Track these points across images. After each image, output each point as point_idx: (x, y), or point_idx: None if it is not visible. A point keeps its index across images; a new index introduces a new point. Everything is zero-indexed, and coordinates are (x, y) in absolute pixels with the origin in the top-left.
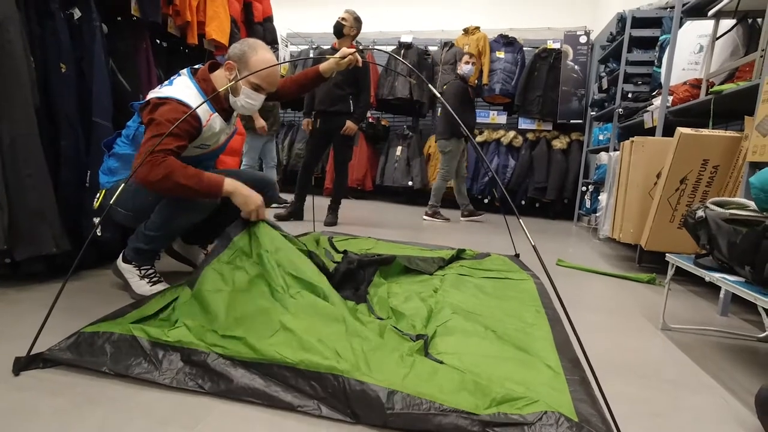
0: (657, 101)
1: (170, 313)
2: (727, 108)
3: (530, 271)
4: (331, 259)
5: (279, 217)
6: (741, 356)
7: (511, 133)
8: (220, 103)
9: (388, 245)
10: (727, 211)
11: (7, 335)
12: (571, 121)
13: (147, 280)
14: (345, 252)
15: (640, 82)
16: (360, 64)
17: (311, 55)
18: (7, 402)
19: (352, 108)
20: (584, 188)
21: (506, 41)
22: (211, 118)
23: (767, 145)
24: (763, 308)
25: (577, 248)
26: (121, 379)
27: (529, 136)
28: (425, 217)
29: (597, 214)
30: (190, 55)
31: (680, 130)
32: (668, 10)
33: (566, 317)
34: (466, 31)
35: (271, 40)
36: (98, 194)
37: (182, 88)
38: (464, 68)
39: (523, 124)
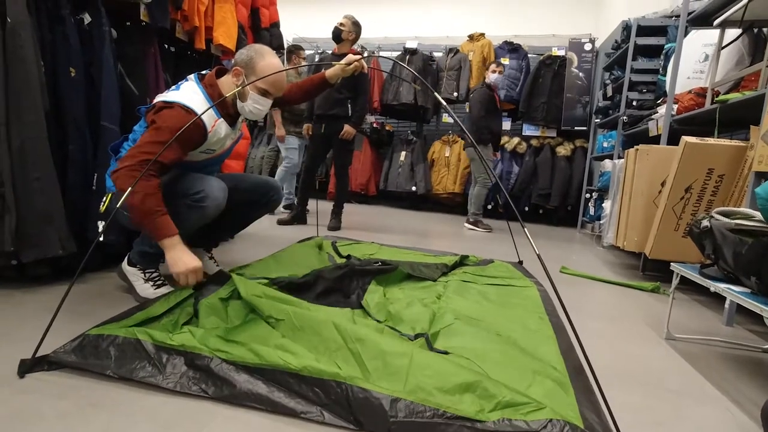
0: (662, 109)
1: (176, 316)
2: (732, 117)
3: (533, 278)
4: (333, 263)
5: (282, 222)
6: (746, 367)
7: (515, 140)
8: (226, 109)
9: (391, 250)
10: (732, 221)
11: (13, 337)
12: (576, 128)
13: (151, 283)
14: (348, 256)
15: (644, 90)
16: (366, 71)
17: (316, 60)
18: (12, 405)
19: (350, 112)
20: (588, 195)
21: (511, 48)
22: (216, 124)
23: None
24: None
25: (581, 256)
26: (125, 383)
27: (533, 142)
28: (467, 225)
29: (601, 222)
30: (197, 60)
31: (685, 138)
32: (673, 18)
33: (570, 324)
34: (471, 38)
35: (278, 46)
36: (105, 198)
37: (189, 93)
38: (491, 77)
39: (528, 130)
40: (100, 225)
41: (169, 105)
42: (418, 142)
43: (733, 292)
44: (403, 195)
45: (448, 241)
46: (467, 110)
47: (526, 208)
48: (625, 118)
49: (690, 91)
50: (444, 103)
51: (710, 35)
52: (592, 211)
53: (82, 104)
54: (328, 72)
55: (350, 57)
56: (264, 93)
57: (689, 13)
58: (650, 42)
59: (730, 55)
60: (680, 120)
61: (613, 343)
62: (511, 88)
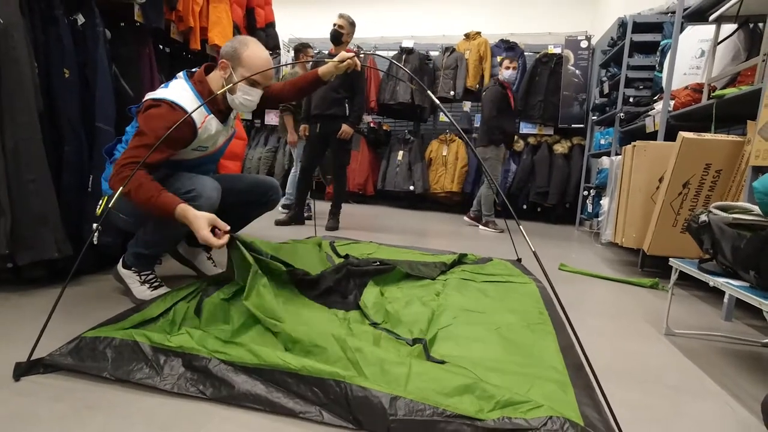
0: (659, 106)
1: (172, 316)
2: (729, 112)
3: (532, 275)
4: (332, 263)
5: (280, 223)
6: (746, 362)
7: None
8: (217, 105)
9: (389, 250)
10: (730, 215)
11: (9, 340)
12: (573, 126)
13: (148, 285)
14: (347, 256)
15: (641, 87)
16: (359, 68)
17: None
18: (8, 407)
19: (347, 112)
20: (586, 192)
21: (507, 46)
22: (206, 120)
23: None
24: None
25: (580, 253)
26: (121, 385)
27: (531, 140)
28: (481, 227)
29: (599, 219)
30: (192, 61)
31: (682, 134)
32: (669, 15)
33: (568, 323)
34: (468, 36)
35: (273, 46)
36: (101, 201)
37: (178, 90)
38: (505, 73)
39: (525, 128)
40: (95, 228)
41: (156, 103)
42: (415, 141)
43: (732, 287)
44: (401, 194)
45: (446, 240)
46: (464, 109)
47: (524, 206)
48: (622, 114)
49: (686, 87)
50: (438, 102)
51: (706, 31)
52: (590, 208)
53: (76, 105)
54: (321, 69)
55: (343, 54)
56: (252, 83)
57: (685, 9)
58: (646, 38)
59: (726, 50)
60: (677, 116)
61: (613, 339)
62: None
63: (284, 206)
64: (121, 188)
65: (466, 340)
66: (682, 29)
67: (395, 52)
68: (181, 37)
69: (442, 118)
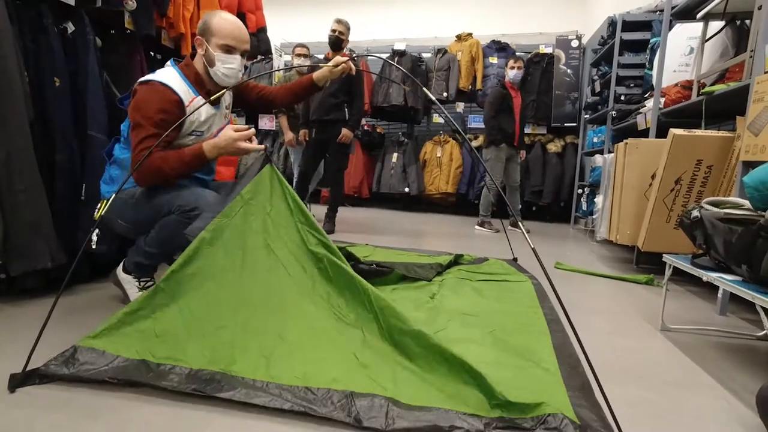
0: (649, 103)
1: (164, 310)
2: (718, 108)
3: (527, 272)
4: None
5: None
6: (741, 355)
7: None
8: (204, 86)
9: (386, 252)
10: (722, 210)
11: (2, 352)
12: (566, 125)
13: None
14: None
15: (632, 85)
16: (353, 73)
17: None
18: (3, 420)
19: (347, 116)
20: (580, 191)
21: (499, 47)
22: (194, 101)
23: (759, 144)
24: (762, 307)
25: (575, 251)
26: (118, 394)
27: (524, 140)
28: (476, 226)
29: (593, 217)
30: None
31: (673, 131)
32: (657, 13)
33: (569, 322)
34: (459, 38)
35: (265, 51)
36: (99, 204)
37: (164, 72)
38: (509, 73)
39: None
40: (94, 232)
41: (144, 82)
42: (409, 143)
43: (726, 281)
44: (396, 196)
45: (442, 241)
46: (457, 109)
47: (519, 206)
48: (613, 113)
49: (676, 84)
50: (434, 98)
51: (694, 28)
52: (584, 206)
53: (67, 114)
54: (316, 74)
55: (337, 59)
56: (228, 50)
57: (673, 7)
58: (636, 37)
59: (714, 47)
60: (668, 113)
61: (609, 336)
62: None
63: None
64: (154, 176)
65: (460, 343)
66: (670, 27)
67: (387, 55)
68: (173, 44)
69: (436, 119)
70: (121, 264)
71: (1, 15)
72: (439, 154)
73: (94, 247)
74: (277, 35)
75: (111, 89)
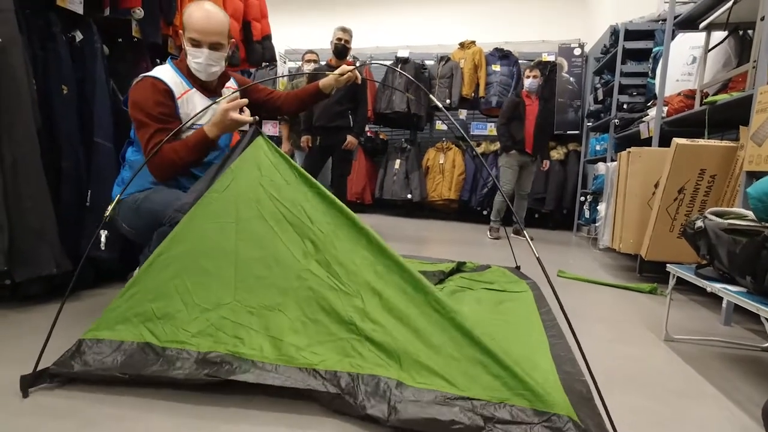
0: (652, 112)
1: (159, 284)
2: (721, 118)
3: (530, 280)
4: None
5: None
6: (745, 367)
7: None
8: (197, 79)
9: None
10: (725, 221)
11: (7, 359)
12: (568, 132)
13: None
14: None
15: (635, 93)
16: (359, 81)
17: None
18: (10, 428)
19: (351, 123)
20: (583, 198)
21: (502, 54)
22: (187, 93)
23: (763, 154)
24: (766, 318)
25: (578, 259)
26: (124, 402)
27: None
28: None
29: (596, 224)
30: None
31: (676, 140)
32: (660, 22)
33: (570, 328)
34: (462, 45)
35: (270, 58)
36: (110, 206)
37: (158, 68)
38: (525, 82)
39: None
40: (102, 234)
41: (137, 81)
42: (412, 149)
43: (730, 292)
44: (398, 203)
45: (445, 248)
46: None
47: (524, 213)
48: (616, 121)
49: (679, 94)
50: (440, 105)
51: (697, 38)
52: (587, 214)
53: (74, 121)
54: (322, 82)
55: (344, 68)
56: (195, 44)
57: (675, 17)
58: (638, 46)
59: (717, 57)
60: (671, 122)
61: (612, 345)
62: (503, 94)
63: None
64: (169, 170)
65: None
66: (673, 36)
67: (391, 62)
68: (179, 52)
69: (439, 126)
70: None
71: (10, 24)
72: (441, 161)
73: (103, 248)
74: (281, 42)
75: (117, 97)
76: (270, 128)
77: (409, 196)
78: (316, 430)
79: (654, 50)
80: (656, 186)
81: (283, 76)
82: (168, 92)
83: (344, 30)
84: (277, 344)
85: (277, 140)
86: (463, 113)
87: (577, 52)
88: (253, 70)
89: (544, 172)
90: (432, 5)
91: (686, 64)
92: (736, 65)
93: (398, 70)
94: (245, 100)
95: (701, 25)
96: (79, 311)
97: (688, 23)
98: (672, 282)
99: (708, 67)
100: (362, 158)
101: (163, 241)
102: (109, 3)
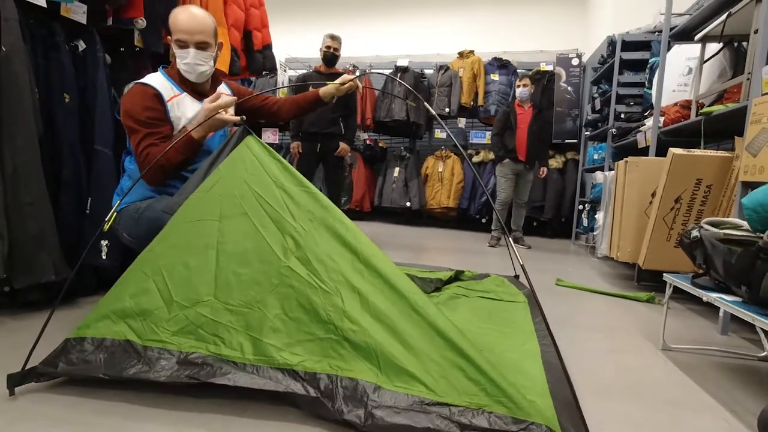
0: (649, 122)
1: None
2: (717, 128)
3: (527, 289)
4: None
5: None
6: (742, 376)
7: None
8: (187, 83)
9: None
10: (721, 231)
11: (2, 364)
12: (566, 141)
13: None
14: None
15: (632, 103)
16: (360, 90)
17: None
18: None
19: (343, 130)
20: (581, 207)
21: (500, 64)
22: (177, 97)
23: (758, 165)
24: (762, 328)
25: (576, 267)
26: (114, 411)
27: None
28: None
29: (594, 233)
30: None
31: (672, 150)
32: (656, 34)
33: (551, 337)
34: (461, 55)
35: (270, 67)
36: (109, 215)
37: (148, 76)
38: (516, 92)
39: None
40: (103, 243)
41: (126, 92)
42: (411, 158)
43: (726, 302)
44: (397, 210)
45: (443, 256)
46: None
47: (522, 222)
48: (614, 130)
49: (675, 104)
50: (435, 114)
51: (693, 49)
52: (585, 222)
53: (75, 129)
54: (322, 91)
55: (345, 77)
56: (181, 45)
57: (671, 29)
58: (635, 56)
59: (712, 68)
60: (667, 132)
61: (610, 354)
62: (501, 103)
63: None
64: (160, 173)
65: None
66: (669, 48)
67: (390, 71)
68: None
69: (438, 134)
70: (134, 262)
71: (14, 34)
72: (440, 169)
73: (104, 258)
74: (281, 51)
75: (118, 105)
76: (270, 136)
77: (408, 203)
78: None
79: (650, 61)
80: (653, 195)
81: (282, 87)
82: (157, 96)
83: (332, 37)
84: (256, 343)
85: (275, 147)
86: (462, 122)
87: (575, 62)
88: (253, 78)
89: (542, 181)
90: (431, 15)
91: (682, 74)
92: (731, 76)
93: (397, 79)
94: (233, 99)
95: (696, 37)
96: (80, 317)
97: (684, 35)
98: (669, 291)
99: (703, 78)
100: (361, 166)
101: None
102: (112, 13)
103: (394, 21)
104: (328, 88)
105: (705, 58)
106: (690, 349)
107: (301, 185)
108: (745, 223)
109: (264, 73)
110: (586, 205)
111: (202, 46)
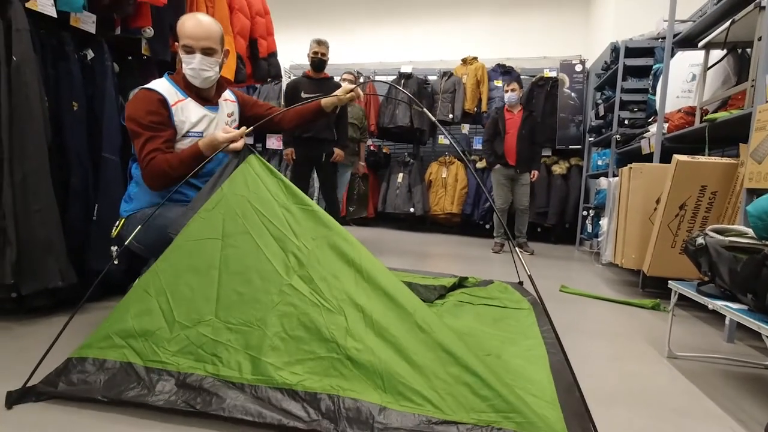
0: (653, 128)
1: (146, 300)
2: (721, 134)
3: (531, 296)
4: None
5: None
6: (749, 385)
7: None
8: (192, 89)
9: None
10: (726, 238)
11: (7, 372)
12: (570, 147)
13: None
14: None
15: (636, 109)
16: (361, 99)
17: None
18: None
19: (335, 136)
20: (585, 213)
21: (504, 70)
22: (181, 102)
23: (763, 172)
24: None
25: (580, 273)
26: (114, 417)
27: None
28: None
29: (599, 239)
30: None
31: (677, 157)
32: (660, 40)
33: (560, 346)
34: (465, 61)
35: (275, 74)
36: (117, 222)
37: (153, 81)
38: (504, 97)
39: None
40: (114, 249)
41: (132, 94)
42: (415, 163)
43: (731, 310)
44: (401, 216)
45: (447, 262)
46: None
47: (525, 228)
48: (617, 136)
49: (679, 110)
50: (437, 122)
51: (696, 55)
52: (589, 228)
53: (83, 137)
54: (324, 101)
55: (347, 86)
56: (187, 50)
57: (675, 35)
58: (639, 63)
59: (716, 74)
60: (671, 138)
61: (614, 362)
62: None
63: None
64: (161, 181)
65: None
66: (672, 54)
67: (394, 77)
68: None
69: (442, 140)
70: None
71: (25, 44)
72: (444, 175)
73: (116, 262)
74: (286, 58)
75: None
76: (274, 141)
77: (412, 209)
78: None
79: (654, 67)
80: (658, 202)
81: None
82: (161, 101)
83: (319, 43)
84: (255, 362)
85: (279, 153)
86: (465, 128)
87: (579, 68)
88: (258, 85)
89: (546, 187)
90: (435, 21)
91: (686, 81)
92: (735, 83)
93: (398, 87)
94: (243, 130)
95: (700, 44)
96: (84, 323)
97: (687, 42)
98: (674, 298)
99: (707, 85)
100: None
101: None
102: (120, 22)
103: (398, 28)
104: (329, 99)
105: (709, 65)
106: (695, 356)
107: (304, 204)
108: (750, 231)
109: (269, 80)
110: (590, 211)
111: (208, 51)
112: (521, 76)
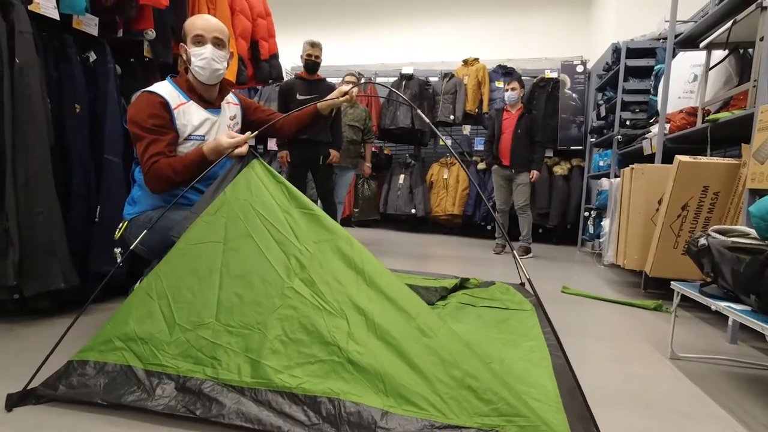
0: (655, 129)
1: (148, 305)
2: (723, 135)
3: (533, 297)
4: None
5: None
6: (752, 386)
7: None
8: (195, 92)
9: None
10: (729, 239)
11: (9, 374)
12: (572, 148)
13: None
14: None
15: (637, 110)
16: (355, 99)
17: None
18: None
19: (330, 138)
20: (587, 214)
21: (505, 71)
22: (183, 105)
23: (765, 172)
24: None
25: (582, 274)
26: (113, 420)
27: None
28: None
29: (600, 240)
30: None
31: (679, 158)
32: (661, 41)
33: (560, 348)
34: (466, 62)
35: (277, 76)
36: (121, 224)
37: (155, 84)
38: (504, 96)
39: None
40: (117, 251)
41: (135, 97)
42: (416, 165)
43: (734, 311)
44: (402, 217)
45: (449, 263)
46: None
47: (526, 229)
48: (619, 137)
49: (681, 111)
50: (432, 125)
51: (698, 56)
52: (591, 229)
53: (86, 139)
54: (320, 105)
55: (342, 89)
56: (198, 41)
57: (676, 36)
58: (640, 63)
59: (718, 75)
60: (673, 138)
61: (616, 363)
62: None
63: None
64: (163, 184)
65: None
66: (674, 55)
67: (395, 79)
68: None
69: (443, 142)
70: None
71: (28, 47)
72: (445, 176)
73: (120, 263)
74: (287, 60)
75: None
76: (275, 144)
77: (413, 210)
78: None
79: (656, 68)
80: (660, 202)
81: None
82: (164, 104)
83: (313, 45)
84: (255, 366)
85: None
86: (466, 129)
87: (580, 69)
88: (260, 87)
89: (547, 188)
90: (436, 23)
91: (687, 81)
92: (737, 83)
93: (396, 92)
94: (247, 136)
95: (701, 45)
96: (85, 325)
97: (689, 42)
98: (677, 299)
99: (709, 85)
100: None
101: None
102: (123, 25)
103: (399, 29)
104: (325, 103)
105: (711, 65)
106: (698, 358)
107: (306, 208)
108: (753, 231)
109: (270, 81)
110: (591, 212)
111: (218, 43)
112: (522, 77)
